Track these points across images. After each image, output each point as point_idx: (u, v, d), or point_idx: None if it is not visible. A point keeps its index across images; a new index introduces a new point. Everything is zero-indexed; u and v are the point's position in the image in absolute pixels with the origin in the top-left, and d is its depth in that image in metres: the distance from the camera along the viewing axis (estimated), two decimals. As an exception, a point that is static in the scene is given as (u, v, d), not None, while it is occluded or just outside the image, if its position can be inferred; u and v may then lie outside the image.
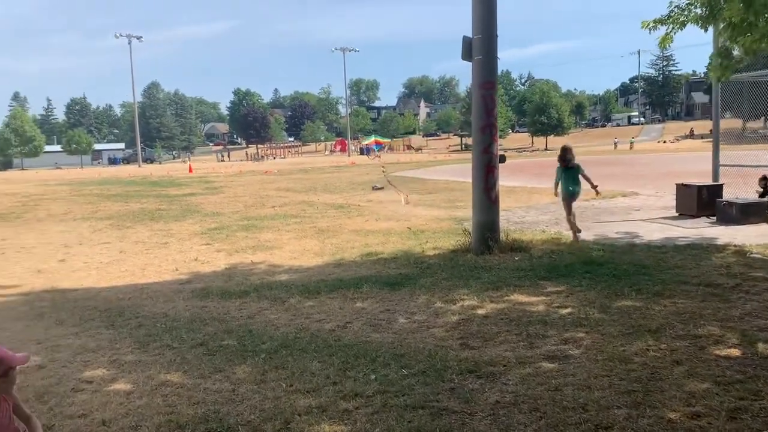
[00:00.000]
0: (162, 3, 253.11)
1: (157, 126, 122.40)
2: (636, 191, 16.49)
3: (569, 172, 9.17)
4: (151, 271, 8.22)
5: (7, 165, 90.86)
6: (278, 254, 9.18)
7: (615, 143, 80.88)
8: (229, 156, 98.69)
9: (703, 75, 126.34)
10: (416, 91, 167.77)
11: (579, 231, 9.29)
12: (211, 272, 8.04)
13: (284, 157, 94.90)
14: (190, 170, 48.41)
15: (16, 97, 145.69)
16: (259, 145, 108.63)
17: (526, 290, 6.29)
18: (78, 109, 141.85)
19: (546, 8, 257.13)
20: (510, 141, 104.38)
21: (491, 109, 8.34)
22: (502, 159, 8.76)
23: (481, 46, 8.21)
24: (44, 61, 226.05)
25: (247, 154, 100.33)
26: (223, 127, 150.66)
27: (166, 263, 8.77)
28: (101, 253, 9.84)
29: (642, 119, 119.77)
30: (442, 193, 18.92)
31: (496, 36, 8.29)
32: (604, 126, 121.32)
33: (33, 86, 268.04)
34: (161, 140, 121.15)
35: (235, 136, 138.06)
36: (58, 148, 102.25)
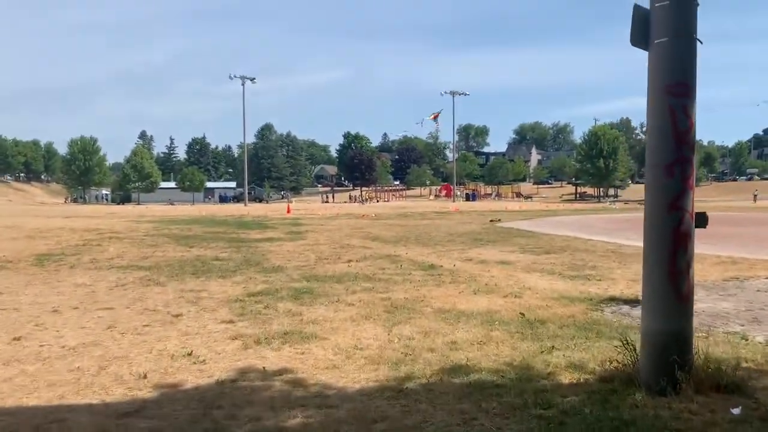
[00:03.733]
0: (281, 53, 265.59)
1: (268, 166, 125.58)
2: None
3: None
4: (103, 379, 5.15)
5: (125, 199, 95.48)
6: (314, 353, 5.88)
7: (755, 196, 72.55)
8: (333, 198, 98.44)
9: None
10: (527, 137, 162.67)
11: None
12: (188, 391, 4.85)
13: (387, 200, 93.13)
14: (288, 211, 46.98)
15: (142, 135, 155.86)
16: (363, 188, 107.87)
17: None
18: (198, 149, 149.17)
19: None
20: (630, 192, 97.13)
21: (684, 132, 4.67)
22: (702, 220, 4.96)
23: (668, 20, 4.65)
24: (171, 104, 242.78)
25: (350, 196, 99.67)
26: (331, 169, 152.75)
27: (139, 361, 5.69)
28: (80, 330, 6.98)
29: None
30: (563, 254, 15.00)
31: (696, 3, 4.71)
32: (735, 180, 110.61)
33: (159, 127, 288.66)
34: (271, 180, 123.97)
35: (342, 178, 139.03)
36: (173, 184, 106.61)
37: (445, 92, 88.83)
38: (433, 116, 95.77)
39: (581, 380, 4.94)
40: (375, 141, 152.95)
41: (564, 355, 5.64)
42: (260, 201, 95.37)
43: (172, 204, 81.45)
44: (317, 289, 9.64)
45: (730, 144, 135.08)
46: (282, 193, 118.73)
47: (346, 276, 11.08)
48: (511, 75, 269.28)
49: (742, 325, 7.14)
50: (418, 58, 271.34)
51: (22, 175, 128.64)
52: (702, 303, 8.34)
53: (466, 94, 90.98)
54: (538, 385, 4.84)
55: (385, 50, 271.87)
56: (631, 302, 8.51)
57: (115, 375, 5.25)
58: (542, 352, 5.79)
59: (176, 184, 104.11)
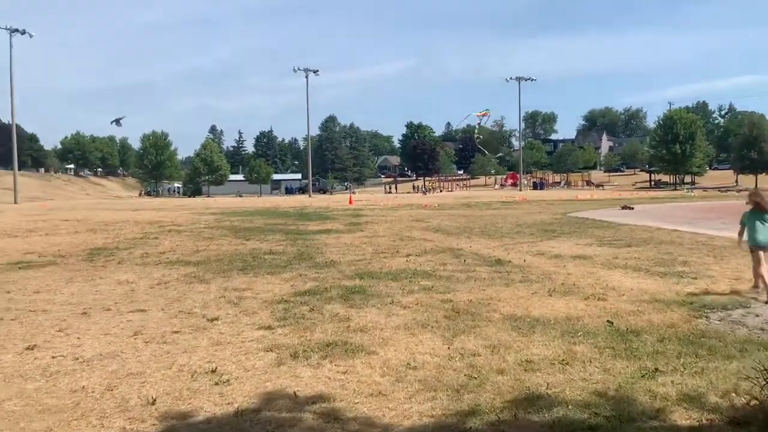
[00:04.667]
0: (344, 46, 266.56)
1: (332, 158, 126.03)
2: None
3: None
4: (105, 404, 4.32)
5: (196, 191, 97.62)
6: (359, 373, 4.89)
7: None
8: (396, 188, 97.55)
9: None
10: (598, 123, 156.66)
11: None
12: (198, 426, 3.94)
13: (451, 190, 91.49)
14: (350, 202, 46.38)
15: (212, 130, 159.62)
16: (426, 178, 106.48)
17: None
18: (265, 142, 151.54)
19: (736, 40, 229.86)
20: (707, 179, 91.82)
21: None
22: None
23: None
24: (239, 99, 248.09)
25: (413, 186, 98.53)
26: (395, 160, 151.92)
27: (155, 379, 4.86)
28: (102, 337, 6.25)
29: None
30: (646, 246, 13.46)
31: None
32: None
33: (228, 122, 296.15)
34: (335, 171, 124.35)
35: (405, 169, 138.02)
36: (241, 177, 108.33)
37: (511, 78, 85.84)
38: (479, 114, 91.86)
39: (704, 422, 3.74)
40: (438, 131, 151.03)
41: (673, 382, 4.43)
42: (324, 192, 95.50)
43: (240, 196, 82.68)
44: (370, 288, 8.66)
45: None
46: (345, 184, 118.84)
47: (403, 273, 10.06)
48: (579, 60, 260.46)
49: None
50: (482, 45, 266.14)
51: (99, 170, 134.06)
52: (834, 309, 6.84)
53: (533, 80, 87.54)
54: (645, 427, 3.67)
55: (448, 39, 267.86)
56: (741, 306, 7.12)
57: (120, 399, 4.42)
58: (643, 376, 4.59)
59: (244, 177, 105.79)
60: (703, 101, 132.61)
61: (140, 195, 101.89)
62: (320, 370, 4.99)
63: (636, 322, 6.37)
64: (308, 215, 28.88)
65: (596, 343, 5.58)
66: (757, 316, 6.66)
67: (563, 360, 5.08)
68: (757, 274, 7.95)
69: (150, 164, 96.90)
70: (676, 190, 77.65)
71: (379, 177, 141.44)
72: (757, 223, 7.99)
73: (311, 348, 5.60)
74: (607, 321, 6.39)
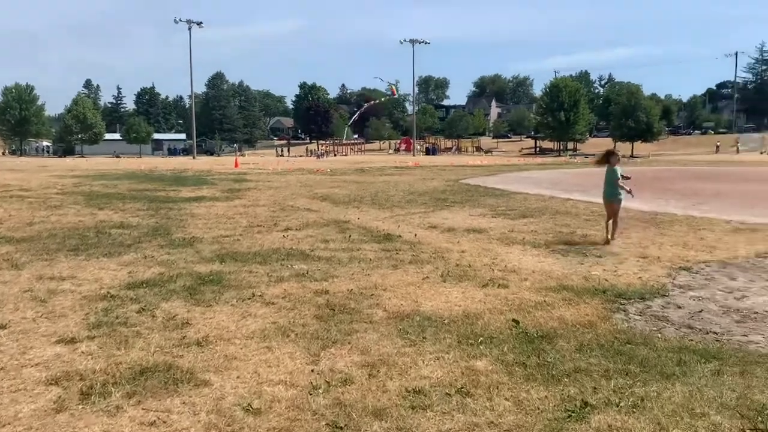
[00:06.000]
0: (234, 1, 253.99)
1: (220, 117, 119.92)
2: None
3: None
4: None
5: (68, 151, 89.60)
6: (172, 425, 3.34)
7: (717, 146, 73.20)
8: (288, 151, 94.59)
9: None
10: (487, 90, 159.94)
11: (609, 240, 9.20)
12: None
13: (345, 155, 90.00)
14: (236, 165, 43.67)
15: (87, 85, 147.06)
16: (320, 141, 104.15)
17: None
18: (147, 99, 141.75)
19: (620, 12, 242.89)
20: (589, 146, 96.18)
21: None
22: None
23: None
24: (121, 54, 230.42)
25: (307, 149, 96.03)
26: (288, 122, 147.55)
27: None
28: None
29: (729, 128, 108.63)
30: (542, 217, 12.68)
31: None
32: (689, 134, 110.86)
33: (108, 77, 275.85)
34: (223, 132, 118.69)
35: (299, 131, 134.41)
36: (117, 136, 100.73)
37: (405, 40, 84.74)
38: (392, 87, 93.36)
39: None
40: (333, 93, 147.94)
41: (610, 427, 3.24)
42: (211, 154, 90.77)
43: (117, 157, 76.57)
44: (230, 275, 7.03)
45: (685, 98, 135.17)
46: (235, 145, 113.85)
47: (276, 253, 8.49)
48: (471, 27, 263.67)
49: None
50: (377, 8, 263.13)
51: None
52: (760, 297, 6.05)
53: (426, 43, 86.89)
54: None
55: (341, 0, 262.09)
56: (659, 294, 6.20)
57: None
58: (570, 416, 3.38)
59: (121, 136, 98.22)
60: (586, 71, 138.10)
61: (3, 154, 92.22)
62: (117, 421, 3.38)
63: (546, 321, 5.23)
64: (184, 179, 26.33)
65: (502, 356, 4.35)
66: (679, 307, 5.74)
67: (462, 388, 3.78)
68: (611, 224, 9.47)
69: (12, 120, 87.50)
70: (560, 156, 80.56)
71: (272, 139, 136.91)
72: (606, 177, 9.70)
73: (118, 377, 3.96)
74: (513, 320, 5.20)
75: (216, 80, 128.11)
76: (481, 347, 4.56)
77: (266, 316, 5.47)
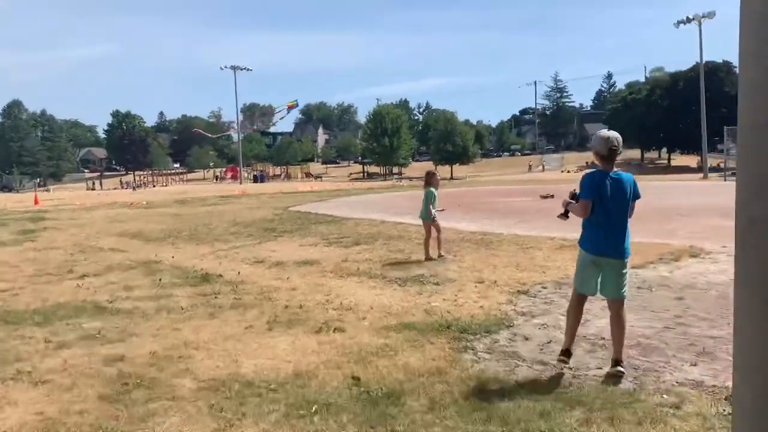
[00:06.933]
0: (39, 27, 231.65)
1: (18, 150, 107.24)
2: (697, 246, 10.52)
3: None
4: None
5: None
6: None
7: (530, 166, 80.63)
8: (100, 184, 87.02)
9: (593, 108, 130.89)
10: (314, 117, 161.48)
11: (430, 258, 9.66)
12: None
13: (166, 185, 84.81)
14: (36, 202, 38.74)
15: None
16: (137, 172, 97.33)
17: None
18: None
19: (436, 45, 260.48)
20: (413, 170, 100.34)
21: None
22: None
23: None
24: None
25: (121, 181, 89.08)
26: (100, 153, 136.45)
27: None
28: None
29: (533, 150, 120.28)
30: (376, 243, 12.16)
31: None
32: (500, 156, 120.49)
33: None
34: (23, 166, 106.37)
35: (113, 162, 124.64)
36: None
37: (226, 66, 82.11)
38: (288, 105, 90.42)
39: None
40: (150, 121, 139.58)
41: None
42: (9, 190, 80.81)
43: None
44: (-11, 348, 5.43)
45: (494, 124, 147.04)
46: (38, 180, 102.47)
47: (62, 309, 6.91)
48: (294, 55, 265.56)
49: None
50: (197, 36, 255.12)
51: None
52: (601, 320, 5.81)
53: (249, 70, 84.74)
54: None
55: (155, 25, 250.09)
56: (503, 325, 5.77)
57: None
58: None
59: None
60: (405, 99, 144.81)
61: None
62: None
63: (390, 372, 4.47)
64: (-35, 221, 22.39)
65: (341, 431, 3.49)
66: (527, 339, 5.31)
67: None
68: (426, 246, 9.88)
69: None
70: (386, 180, 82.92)
71: (83, 172, 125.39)
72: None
73: None
74: (352, 377, 4.37)
75: (12, 109, 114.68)
76: (316, 419, 3.67)
77: (31, 403, 4.11)
